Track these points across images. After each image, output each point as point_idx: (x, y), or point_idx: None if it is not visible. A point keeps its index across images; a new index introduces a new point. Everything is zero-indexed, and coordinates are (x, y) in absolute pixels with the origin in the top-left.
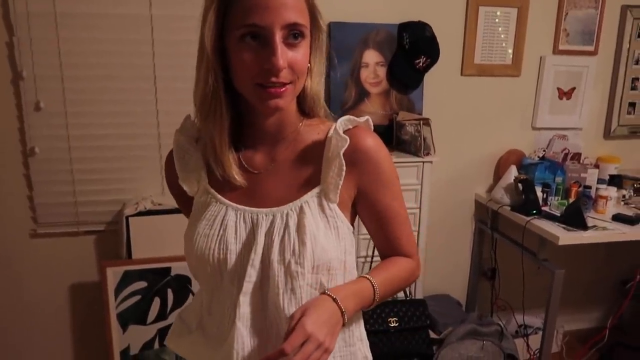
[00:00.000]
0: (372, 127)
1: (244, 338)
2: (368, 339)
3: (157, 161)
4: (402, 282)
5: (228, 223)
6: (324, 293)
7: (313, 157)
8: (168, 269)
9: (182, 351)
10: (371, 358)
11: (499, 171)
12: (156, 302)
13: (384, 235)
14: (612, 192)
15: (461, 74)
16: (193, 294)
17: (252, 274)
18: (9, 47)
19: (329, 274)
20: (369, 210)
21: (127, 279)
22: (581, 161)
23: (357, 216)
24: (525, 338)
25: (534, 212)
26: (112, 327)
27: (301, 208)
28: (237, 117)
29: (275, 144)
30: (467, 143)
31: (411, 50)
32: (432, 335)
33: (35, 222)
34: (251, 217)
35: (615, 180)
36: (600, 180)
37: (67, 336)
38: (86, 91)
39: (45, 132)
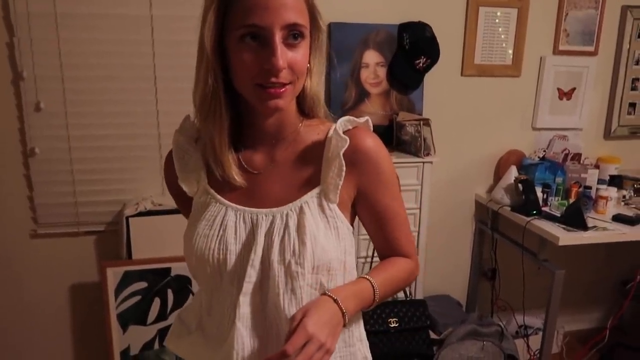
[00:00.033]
0: (372, 128)
1: (243, 338)
2: (368, 339)
3: (158, 161)
4: (402, 283)
5: (228, 223)
6: (324, 294)
7: (313, 158)
8: (168, 270)
9: (181, 352)
10: (371, 358)
11: (499, 171)
12: (156, 303)
13: (383, 236)
14: (612, 192)
15: (461, 75)
16: (193, 295)
17: (252, 274)
18: (9, 47)
19: (329, 274)
20: (369, 210)
21: (127, 279)
22: (581, 161)
23: (357, 217)
24: (525, 338)
25: (534, 212)
26: (112, 328)
27: (301, 208)
28: (237, 118)
29: (275, 145)
30: (467, 143)
31: (411, 51)
32: (432, 335)
33: (35, 223)
34: (251, 217)
35: (616, 181)
36: (600, 181)
37: (67, 336)
38: (86, 92)
39: (45, 133)
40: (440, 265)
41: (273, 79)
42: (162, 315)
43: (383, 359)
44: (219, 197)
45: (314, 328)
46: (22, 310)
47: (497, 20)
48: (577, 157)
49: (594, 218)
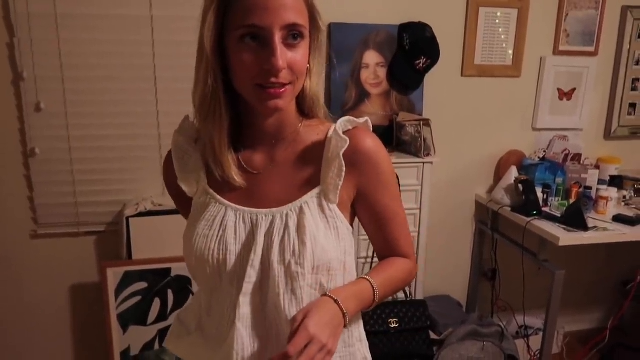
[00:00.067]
0: (372, 128)
1: (243, 339)
2: (368, 339)
3: (158, 162)
4: (401, 283)
5: (227, 224)
6: (325, 295)
7: (313, 158)
8: (168, 270)
9: (181, 353)
10: (370, 359)
11: (499, 172)
12: (156, 303)
13: (382, 236)
14: (612, 192)
15: (461, 75)
16: (193, 295)
17: (251, 275)
18: (9, 48)
19: (328, 275)
20: (369, 211)
21: (128, 279)
22: (582, 162)
23: (356, 217)
24: (525, 339)
25: (535, 212)
26: (112, 328)
27: (301, 208)
28: (237, 118)
29: (274, 145)
30: (468, 144)
31: (411, 51)
32: (433, 336)
33: (35, 223)
34: (251, 217)
35: (616, 181)
36: (600, 181)
37: (67, 337)
38: (87, 92)
39: (45, 133)
40: (440, 266)
41: (273, 79)
42: (162, 316)
43: None
44: (218, 197)
45: (316, 329)
46: (23, 311)
47: (497, 21)
48: (577, 157)
49: (594, 218)
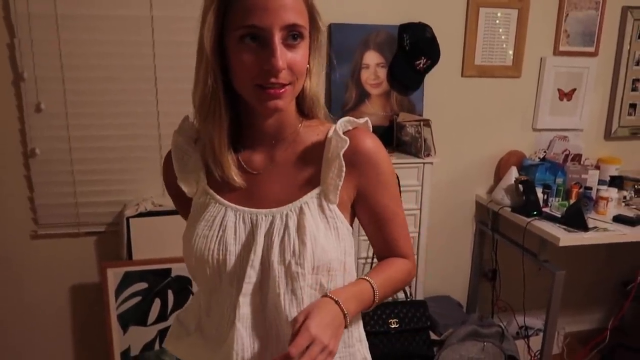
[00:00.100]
0: (371, 129)
1: (243, 339)
2: (368, 340)
3: (158, 162)
4: (400, 284)
5: (227, 224)
6: (325, 296)
7: (313, 158)
8: (168, 270)
9: (180, 353)
10: (370, 359)
11: (499, 172)
12: (157, 303)
13: (382, 237)
14: (612, 193)
15: (462, 75)
16: (193, 295)
17: (251, 275)
18: (10, 48)
19: (328, 275)
20: (368, 211)
21: (128, 280)
22: (582, 162)
23: (356, 217)
24: (526, 339)
25: (535, 213)
26: (112, 328)
27: (301, 209)
28: (236, 118)
29: (274, 145)
30: (468, 144)
31: (411, 52)
32: (433, 336)
33: (35, 223)
34: (250, 217)
35: (616, 182)
36: (601, 182)
37: (67, 337)
38: (87, 92)
39: (46, 134)
40: (440, 266)
41: (273, 80)
42: (162, 316)
43: None
44: (218, 197)
45: (317, 330)
46: (23, 311)
47: (497, 21)
48: (577, 157)
49: (595, 219)
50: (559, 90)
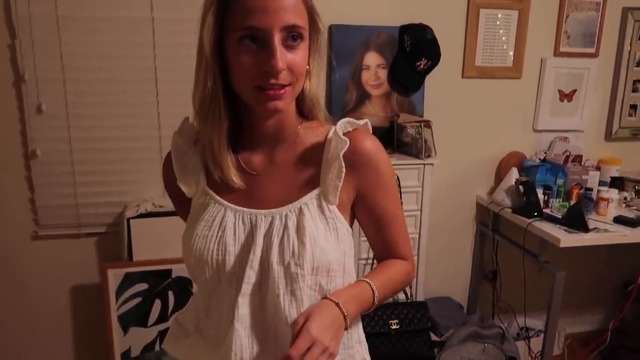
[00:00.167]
0: (371, 130)
1: (242, 339)
2: (369, 341)
3: (158, 163)
4: (399, 285)
5: (227, 224)
6: (325, 297)
7: (312, 159)
8: (169, 271)
9: (180, 355)
10: None
11: (500, 173)
12: (157, 304)
13: (381, 238)
14: (613, 194)
15: (462, 76)
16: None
17: (250, 276)
18: (11, 49)
19: (328, 276)
20: (368, 212)
21: (128, 281)
22: (582, 163)
23: (355, 218)
24: (526, 341)
25: (535, 214)
26: (113, 329)
27: (300, 209)
28: (236, 119)
29: (274, 146)
30: (468, 145)
31: (412, 53)
32: (434, 337)
33: (36, 224)
34: (250, 218)
35: (617, 183)
36: (601, 183)
37: (68, 338)
38: (88, 94)
39: (46, 135)
40: (441, 267)
41: (272, 81)
42: (163, 317)
43: None
44: (218, 198)
45: (317, 332)
46: (23, 312)
47: (497, 22)
48: (578, 158)
49: (595, 220)
50: (559, 91)
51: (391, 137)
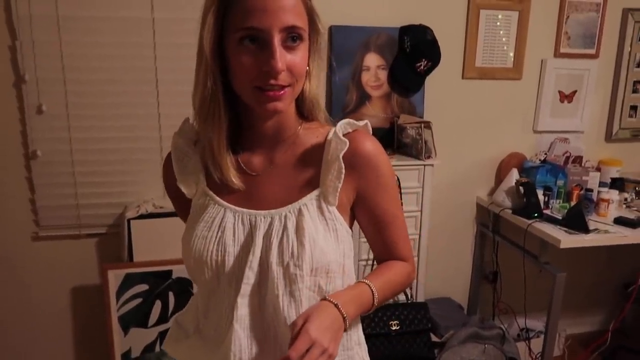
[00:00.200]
0: (371, 131)
1: (241, 340)
2: (369, 342)
3: (159, 164)
4: (399, 287)
5: (226, 225)
6: (324, 299)
7: (312, 160)
8: (169, 272)
9: (179, 356)
10: None
11: (500, 174)
12: (157, 305)
13: (381, 239)
14: (613, 195)
15: (462, 77)
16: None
17: (250, 276)
18: (11, 50)
19: (327, 277)
20: (368, 213)
21: (129, 281)
22: (583, 164)
23: (355, 220)
24: (527, 342)
25: (536, 215)
26: (113, 330)
27: (300, 210)
28: (236, 120)
29: (274, 147)
30: (469, 146)
31: (412, 54)
32: (434, 338)
33: (37, 225)
34: (249, 219)
35: (617, 184)
36: (601, 184)
37: (68, 339)
38: (88, 94)
39: (47, 135)
40: (441, 268)
41: (272, 82)
42: (163, 318)
43: None
44: (217, 198)
45: (317, 333)
46: (24, 313)
47: (498, 23)
48: (578, 159)
49: (596, 221)
50: (559, 92)
51: (391, 138)
